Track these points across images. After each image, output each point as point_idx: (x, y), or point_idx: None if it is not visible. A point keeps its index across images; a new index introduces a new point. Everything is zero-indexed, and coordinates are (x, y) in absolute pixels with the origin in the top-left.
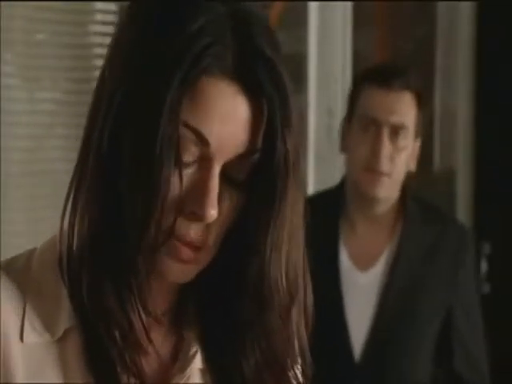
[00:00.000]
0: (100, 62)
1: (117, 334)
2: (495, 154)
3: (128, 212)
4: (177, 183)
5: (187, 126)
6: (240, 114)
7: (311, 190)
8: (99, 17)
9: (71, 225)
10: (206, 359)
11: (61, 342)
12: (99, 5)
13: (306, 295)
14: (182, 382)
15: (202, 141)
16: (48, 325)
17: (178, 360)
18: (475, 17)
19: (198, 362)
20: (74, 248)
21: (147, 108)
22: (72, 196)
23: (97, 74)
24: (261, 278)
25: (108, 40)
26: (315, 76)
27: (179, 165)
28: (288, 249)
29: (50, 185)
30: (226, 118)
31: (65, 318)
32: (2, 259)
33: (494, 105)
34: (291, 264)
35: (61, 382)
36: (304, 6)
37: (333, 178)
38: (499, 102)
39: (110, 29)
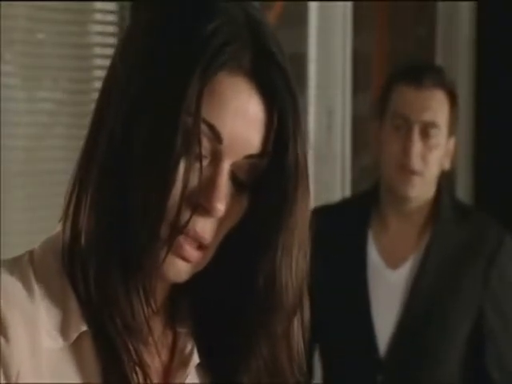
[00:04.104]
0: (100, 62)
1: (119, 321)
2: (495, 154)
3: (141, 204)
4: (193, 177)
5: (202, 119)
6: (253, 113)
7: (311, 190)
8: (99, 16)
9: (76, 219)
10: (202, 357)
11: (75, 346)
12: (99, 4)
13: (304, 304)
14: (185, 380)
15: (215, 135)
16: (60, 330)
17: (174, 355)
18: (475, 17)
19: (195, 359)
20: (82, 241)
21: (167, 101)
22: (76, 190)
23: (97, 73)
24: (271, 281)
25: (108, 40)
26: (315, 76)
27: (200, 158)
28: (297, 254)
29: (49, 185)
30: (240, 114)
31: (76, 322)
32: (1, 259)
33: (493, 105)
34: (299, 269)
35: None
36: (304, 6)
37: (333, 178)
38: (499, 101)
39: (110, 28)
